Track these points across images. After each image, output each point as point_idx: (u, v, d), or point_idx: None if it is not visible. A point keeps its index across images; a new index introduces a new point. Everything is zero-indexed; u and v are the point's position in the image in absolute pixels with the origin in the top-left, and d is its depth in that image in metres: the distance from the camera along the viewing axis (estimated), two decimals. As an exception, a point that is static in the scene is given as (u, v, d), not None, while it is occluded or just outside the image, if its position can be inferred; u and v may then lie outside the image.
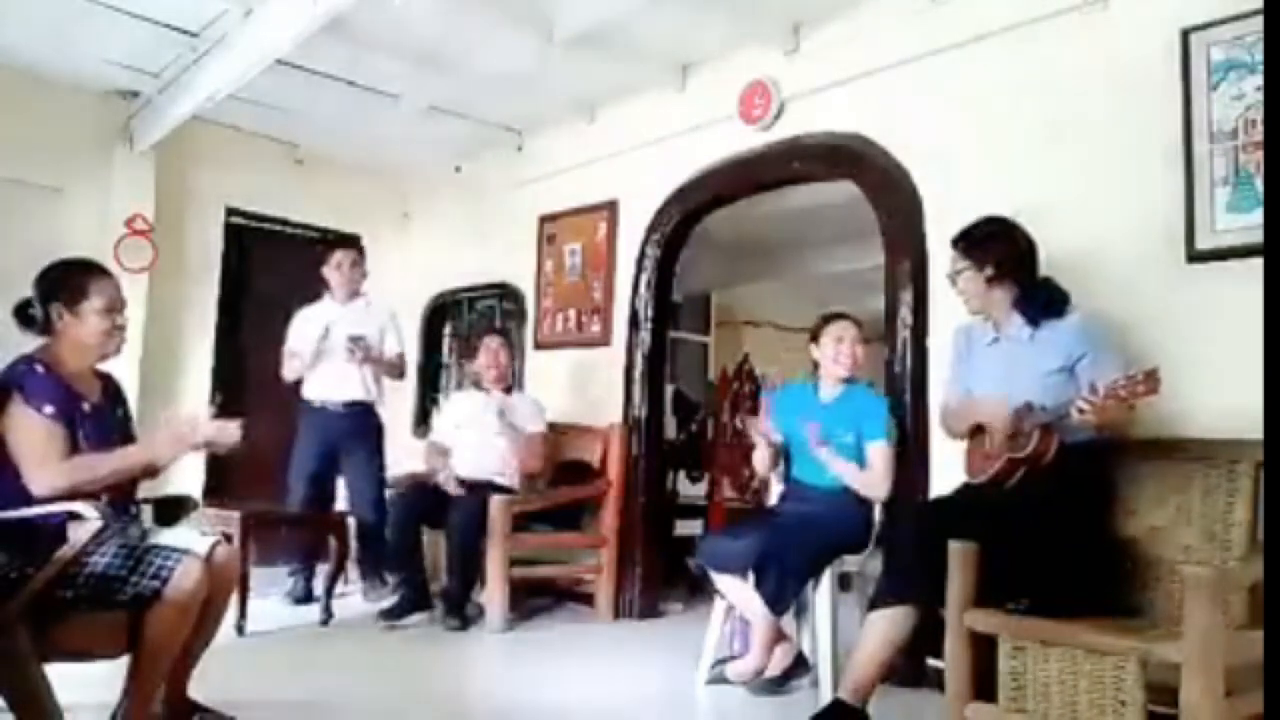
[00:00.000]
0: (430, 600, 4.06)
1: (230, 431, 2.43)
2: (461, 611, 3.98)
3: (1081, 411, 2.26)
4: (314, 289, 4.58)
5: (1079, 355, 2.48)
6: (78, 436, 2.28)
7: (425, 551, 4.20)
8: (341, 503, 4.53)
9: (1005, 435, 2.47)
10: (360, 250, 4.62)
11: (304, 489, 4.37)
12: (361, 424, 4.46)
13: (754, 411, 3.47)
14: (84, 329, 2.36)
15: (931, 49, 3.44)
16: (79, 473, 2.24)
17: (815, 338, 3.36)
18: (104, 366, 2.52)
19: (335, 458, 4.44)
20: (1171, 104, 2.79)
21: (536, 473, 4.35)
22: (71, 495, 2.21)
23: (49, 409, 2.24)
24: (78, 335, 2.36)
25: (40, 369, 2.28)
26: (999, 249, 2.65)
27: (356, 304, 4.54)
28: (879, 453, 3.17)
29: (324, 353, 4.37)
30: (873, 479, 3.16)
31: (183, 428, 2.39)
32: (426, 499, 4.19)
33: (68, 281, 2.38)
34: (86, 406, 2.35)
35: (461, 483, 4.22)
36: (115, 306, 2.41)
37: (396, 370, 4.62)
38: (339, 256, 4.51)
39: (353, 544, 4.32)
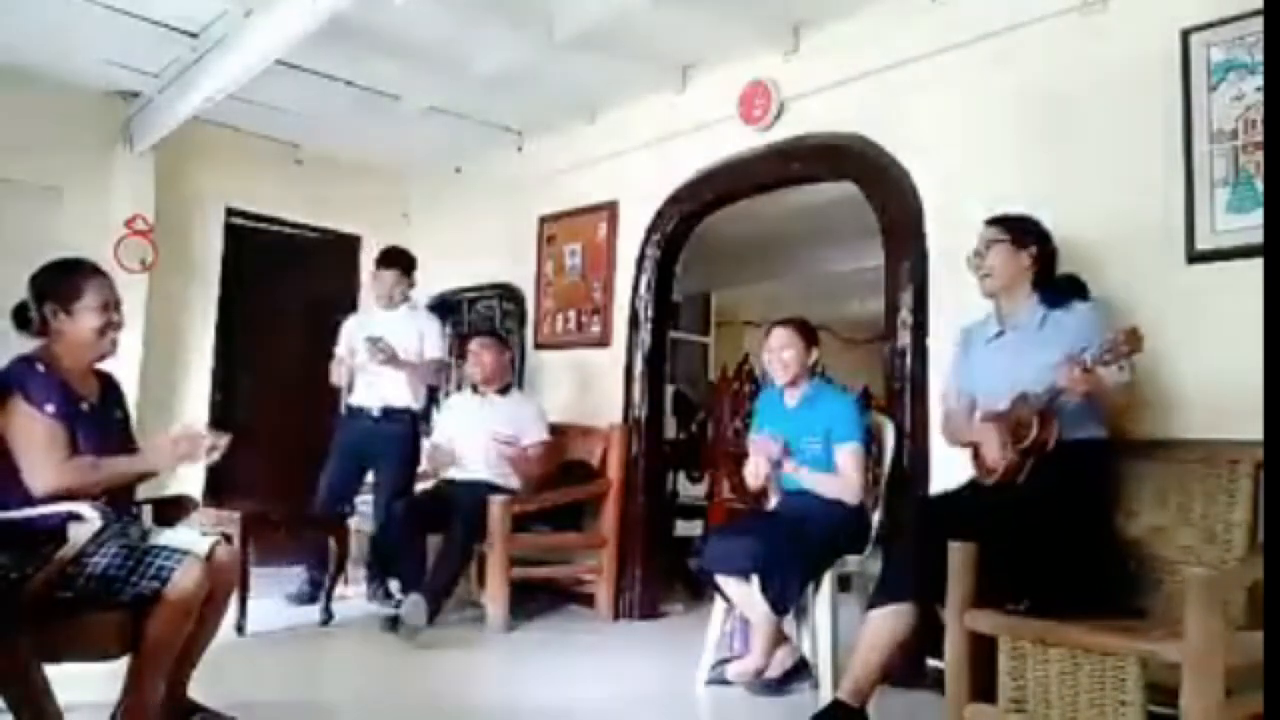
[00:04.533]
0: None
1: (220, 443, 2.44)
2: (435, 605, 3.76)
3: (1070, 380, 2.26)
4: (313, 289, 4.58)
5: (1081, 349, 2.47)
6: (77, 436, 2.28)
7: (429, 557, 4.18)
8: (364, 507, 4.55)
9: (1010, 424, 2.46)
10: (405, 267, 4.63)
11: (330, 492, 4.37)
12: (396, 431, 4.45)
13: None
14: (79, 328, 2.36)
15: (931, 49, 3.44)
16: (79, 474, 2.24)
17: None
18: (105, 365, 2.52)
19: (365, 463, 4.45)
20: (1171, 104, 2.79)
21: (536, 480, 4.32)
22: (69, 495, 2.21)
23: (50, 408, 2.24)
24: (74, 334, 2.36)
25: (40, 368, 2.29)
26: (1037, 233, 2.69)
27: (399, 310, 4.58)
28: (848, 455, 3.17)
29: (365, 365, 4.39)
30: (843, 483, 3.15)
31: (181, 444, 2.40)
32: (428, 506, 4.18)
33: (61, 282, 2.38)
34: (85, 406, 2.36)
35: (460, 484, 4.21)
36: (109, 304, 2.41)
37: (432, 374, 4.63)
38: (380, 275, 4.58)
39: (354, 547, 4.32)
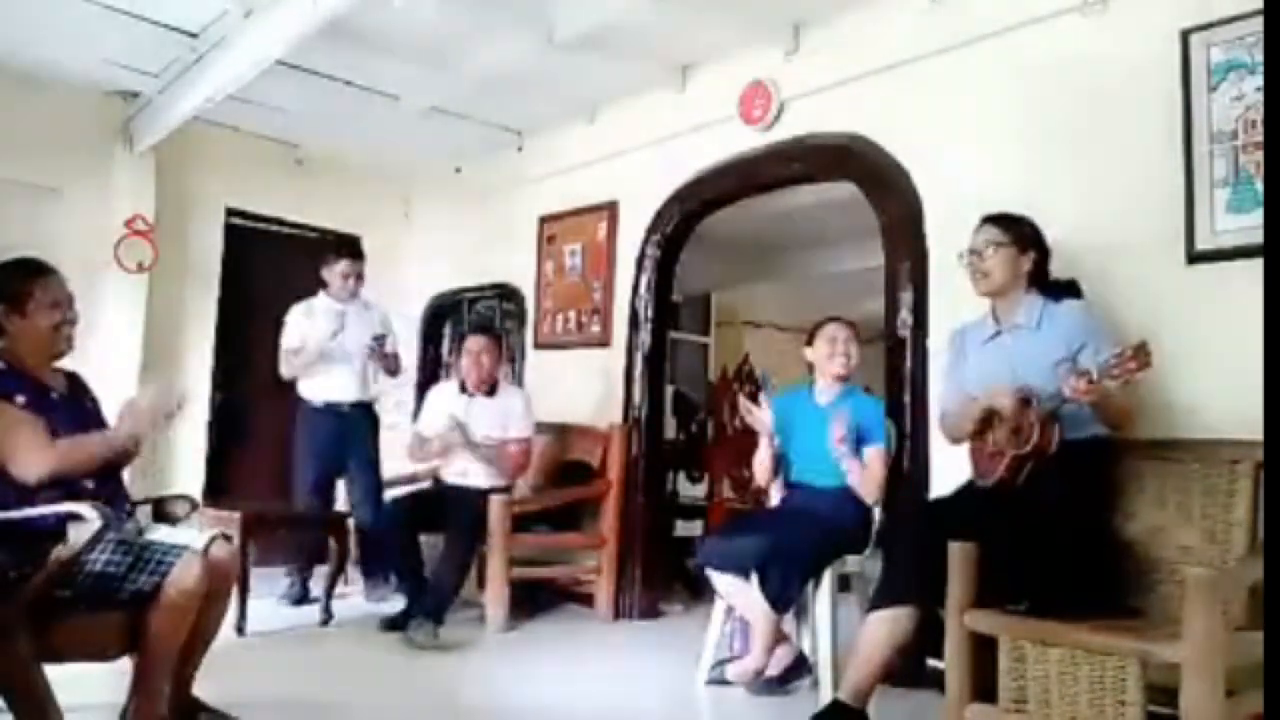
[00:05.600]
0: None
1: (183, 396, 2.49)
2: (440, 620, 3.73)
3: (1075, 391, 2.25)
4: (313, 289, 4.56)
5: (1080, 345, 2.46)
6: (52, 424, 2.30)
7: (425, 556, 4.17)
8: (341, 503, 4.53)
9: (1009, 429, 2.46)
10: (362, 258, 4.55)
11: (312, 491, 4.35)
12: (365, 423, 4.48)
13: (755, 400, 3.42)
14: (35, 327, 2.38)
15: (931, 49, 3.44)
16: (65, 455, 2.26)
17: (811, 340, 3.42)
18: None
19: (340, 458, 4.43)
20: (1171, 104, 2.79)
21: (517, 475, 4.31)
22: (62, 480, 2.22)
23: (20, 398, 2.27)
24: (30, 334, 2.38)
25: (2, 365, 2.31)
26: (1035, 235, 2.68)
27: (357, 303, 4.53)
28: (876, 456, 3.19)
29: (331, 351, 4.35)
30: (869, 482, 3.17)
31: (153, 399, 2.42)
32: (423, 505, 4.18)
33: (10, 284, 2.39)
34: (55, 396, 2.39)
35: (454, 488, 4.22)
36: (61, 303, 2.42)
37: (397, 367, 4.62)
38: (344, 267, 4.44)
39: (353, 545, 4.32)
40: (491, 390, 4.33)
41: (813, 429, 3.25)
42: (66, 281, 2.47)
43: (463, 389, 4.36)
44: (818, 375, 3.40)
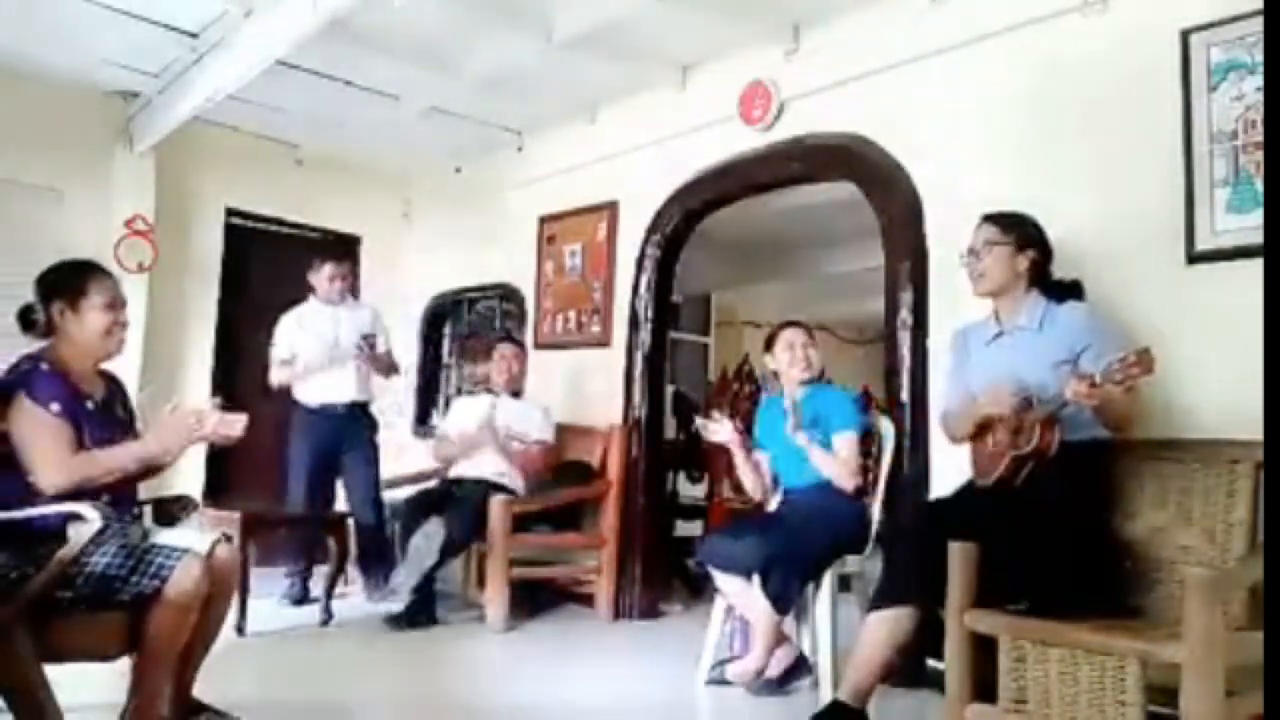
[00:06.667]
0: (435, 611, 4.04)
1: (235, 424, 2.41)
2: (427, 590, 3.93)
3: (1076, 394, 2.24)
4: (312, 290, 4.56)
5: (1083, 347, 2.46)
6: (83, 434, 2.29)
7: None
8: (341, 503, 4.53)
9: (1009, 429, 2.45)
10: (347, 260, 4.56)
11: (307, 494, 4.35)
12: (361, 425, 4.48)
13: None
14: (85, 327, 2.37)
15: (931, 49, 3.44)
16: (88, 468, 2.25)
17: (769, 348, 3.45)
18: (107, 366, 2.53)
19: (336, 460, 4.43)
20: (1171, 104, 2.79)
21: (533, 476, 4.37)
22: (79, 491, 2.21)
23: (55, 406, 2.25)
24: (80, 334, 2.38)
25: (45, 367, 2.30)
26: (1036, 234, 2.68)
27: (348, 303, 4.55)
28: (845, 443, 3.22)
29: (327, 356, 4.35)
30: (840, 466, 3.19)
31: (189, 419, 2.39)
32: (431, 503, 4.18)
33: (67, 281, 2.39)
34: (90, 405, 2.37)
35: (460, 481, 4.24)
36: (115, 303, 2.43)
37: (391, 367, 4.63)
38: (330, 270, 4.46)
39: (352, 545, 4.32)
40: (516, 393, 4.53)
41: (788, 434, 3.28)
42: (121, 285, 2.49)
43: (487, 390, 4.57)
44: (783, 382, 3.43)
